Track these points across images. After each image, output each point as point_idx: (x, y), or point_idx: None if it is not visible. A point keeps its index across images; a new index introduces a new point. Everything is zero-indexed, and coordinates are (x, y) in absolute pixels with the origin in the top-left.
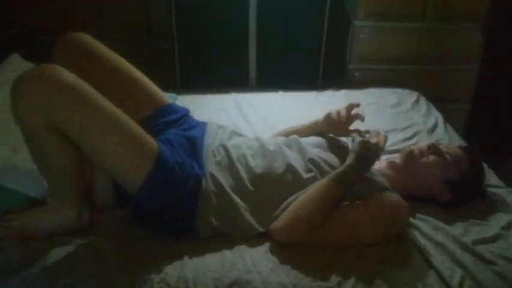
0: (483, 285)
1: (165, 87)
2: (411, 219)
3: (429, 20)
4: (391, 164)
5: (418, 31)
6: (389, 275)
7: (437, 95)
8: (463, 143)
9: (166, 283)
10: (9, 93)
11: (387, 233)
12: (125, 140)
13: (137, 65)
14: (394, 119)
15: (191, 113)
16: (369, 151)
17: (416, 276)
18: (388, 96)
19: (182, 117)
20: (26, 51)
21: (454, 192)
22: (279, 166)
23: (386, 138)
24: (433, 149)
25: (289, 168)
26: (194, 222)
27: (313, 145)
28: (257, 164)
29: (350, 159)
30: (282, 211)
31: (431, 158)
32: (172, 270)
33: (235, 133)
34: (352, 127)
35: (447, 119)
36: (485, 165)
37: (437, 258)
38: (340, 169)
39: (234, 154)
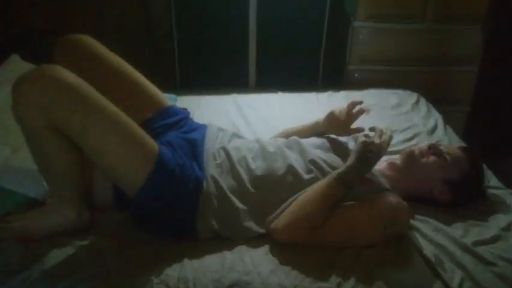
0: (483, 286)
1: (165, 88)
2: (411, 221)
3: (429, 21)
4: (391, 165)
5: (418, 32)
6: (388, 276)
7: (437, 96)
8: (462, 144)
9: (165, 284)
10: (10, 94)
11: (387, 234)
12: (126, 140)
13: (137, 65)
14: (394, 120)
15: (191, 115)
16: (371, 153)
17: (415, 278)
18: (388, 97)
19: (183, 119)
20: (26, 52)
21: (454, 192)
22: (279, 167)
23: (390, 138)
24: (433, 149)
25: (290, 169)
26: (195, 224)
27: (314, 146)
28: (258, 166)
29: (351, 159)
30: (282, 211)
31: (431, 158)
32: (172, 271)
33: (236, 135)
34: (357, 125)
35: (447, 120)
36: (484, 167)
37: (436, 259)
38: (341, 169)
39: (235, 157)
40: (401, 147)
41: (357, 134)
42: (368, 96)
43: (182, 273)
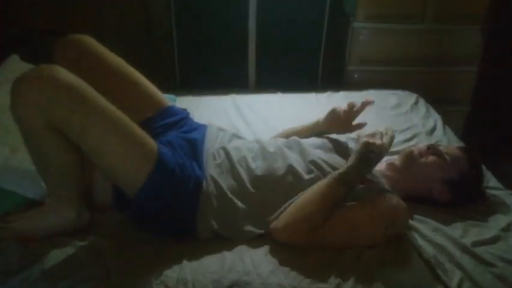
0: (482, 287)
1: (165, 88)
2: (410, 221)
3: (429, 21)
4: (391, 165)
5: (418, 32)
6: (388, 276)
7: (437, 96)
8: (461, 144)
9: (165, 285)
10: (9, 94)
11: (387, 234)
12: (125, 140)
13: (137, 65)
14: (393, 120)
15: (191, 115)
16: (373, 153)
17: (415, 278)
18: (387, 97)
19: (183, 119)
20: (25, 52)
21: (454, 192)
22: (279, 167)
23: (392, 138)
24: (432, 149)
25: (290, 169)
26: (195, 224)
27: (314, 146)
28: (258, 166)
29: (351, 159)
30: (281, 213)
31: (431, 158)
32: (171, 272)
33: (235, 136)
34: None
35: (447, 121)
36: (483, 168)
37: (436, 259)
38: (341, 170)
39: (235, 157)
40: (400, 147)
41: (359, 135)
42: (367, 97)
43: (181, 274)
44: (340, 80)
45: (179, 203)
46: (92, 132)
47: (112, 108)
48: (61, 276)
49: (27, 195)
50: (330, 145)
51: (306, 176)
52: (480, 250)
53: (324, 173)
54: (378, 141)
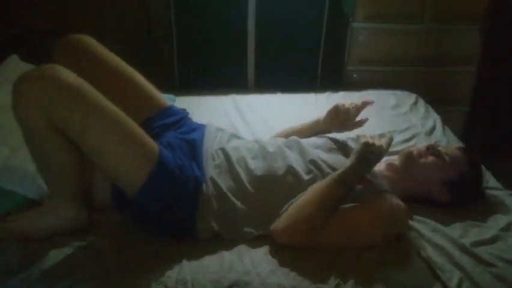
0: (482, 287)
1: (164, 88)
2: (409, 221)
3: (428, 21)
4: (390, 165)
5: (417, 32)
6: (388, 277)
7: (436, 96)
8: (461, 144)
9: (164, 285)
10: (11, 94)
11: (387, 235)
12: (126, 140)
13: (137, 65)
14: (393, 120)
15: (190, 115)
16: (372, 154)
17: (415, 279)
18: (387, 98)
19: (182, 119)
20: (25, 52)
21: (453, 193)
22: (279, 167)
23: (391, 140)
24: (432, 150)
25: (290, 169)
26: (194, 224)
27: (314, 146)
28: (257, 166)
29: (351, 160)
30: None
31: (430, 158)
32: (171, 272)
33: (234, 136)
34: (358, 132)
35: (446, 121)
36: (483, 168)
37: (435, 260)
38: (340, 170)
39: (234, 157)
40: (399, 147)
41: (358, 135)
42: (367, 97)
43: (181, 274)
44: (339, 80)
45: (179, 204)
46: (93, 132)
47: (112, 108)
48: (61, 276)
49: (27, 195)
50: (330, 145)
51: (306, 177)
52: (479, 250)
53: (323, 173)
54: (377, 142)
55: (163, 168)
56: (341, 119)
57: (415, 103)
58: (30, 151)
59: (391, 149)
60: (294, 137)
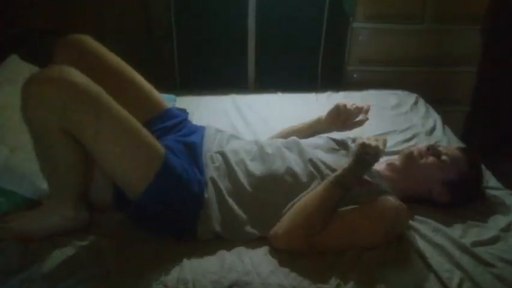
0: (482, 287)
1: (164, 87)
2: (410, 222)
3: (429, 22)
4: (390, 165)
5: (417, 33)
6: (388, 277)
7: (436, 97)
8: (461, 145)
9: (164, 285)
10: (20, 95)
11: (388, 235)
12: (136, 143)
13: (137, 65)
14: (393, 120)
15: (190, 116)
16: (368, 155)
17: (415, 279)
18: (387, 98)
19: (181, 122)
20: (25, 52)
21: (453, 193)
22: (278, 169)
23: (385, 141)
24: (432, 150)
25: (289, 170)
26: (196, 225)
27: (314, 146)
28: (256, 168)
29: (348, 162)
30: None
31: (430, 159)
32: (172, 272)
33: (234, 136)
34: (355, 132)
35: (447, 121)
36: (483, 168)
37: (436, 260)
38: (338, 172)
39: (232, 159)
40: (400, 147)
41: (356, 137)
42: (367, 97)
43: (181, 274)
44: (340, 80)
45: (183, 207)
46: (105, 134)
47: (122, 110)
48: (61, 276)
49: (27, 195)
50: (330, 145)
51: (305, 177)
52: (480, 250)
53: (322, 174)
54: (373, 143)
55: (169, 171)
56: (342, 118)
57: (415, 103)
58: (37, 152)
59: (392, 149)
60: (294, 138)
